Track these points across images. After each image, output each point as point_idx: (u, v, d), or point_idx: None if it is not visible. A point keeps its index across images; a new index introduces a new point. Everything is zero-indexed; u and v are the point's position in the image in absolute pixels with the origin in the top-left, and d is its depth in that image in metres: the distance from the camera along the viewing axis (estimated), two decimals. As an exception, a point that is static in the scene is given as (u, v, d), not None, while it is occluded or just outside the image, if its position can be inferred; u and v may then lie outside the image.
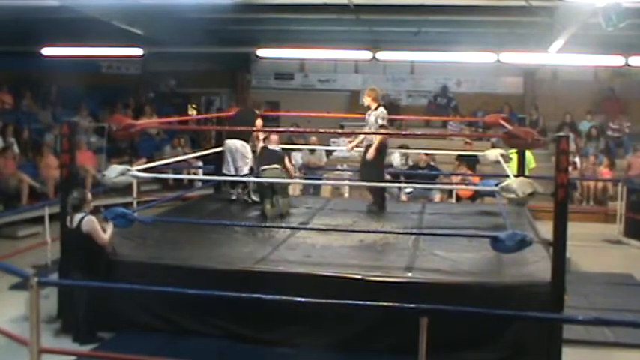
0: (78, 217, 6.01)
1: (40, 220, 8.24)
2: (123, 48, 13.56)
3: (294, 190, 11.40)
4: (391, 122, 15.23)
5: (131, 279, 5.63)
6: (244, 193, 9.00)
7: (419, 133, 13.87)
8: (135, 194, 10.15)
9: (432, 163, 12.38)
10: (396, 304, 4.54)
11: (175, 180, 12.56)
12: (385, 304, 4.63)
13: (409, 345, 4.19)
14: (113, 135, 11.88)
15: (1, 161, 11.21)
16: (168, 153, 14.12)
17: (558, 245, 5.51)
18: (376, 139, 8.18)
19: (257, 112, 9.14)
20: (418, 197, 11.73)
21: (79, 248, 5.98)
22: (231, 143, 8.76)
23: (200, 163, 12.52)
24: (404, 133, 14.28)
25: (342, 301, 4.68)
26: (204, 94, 18.17)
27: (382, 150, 8.35)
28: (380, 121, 8.19)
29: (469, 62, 14.53)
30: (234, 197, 9.10)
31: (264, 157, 8.48)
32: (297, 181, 9.28)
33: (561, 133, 8.12)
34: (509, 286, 5.62)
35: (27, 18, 11.10)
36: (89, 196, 6.24)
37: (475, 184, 11.02)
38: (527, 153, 10.76)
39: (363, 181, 8.58)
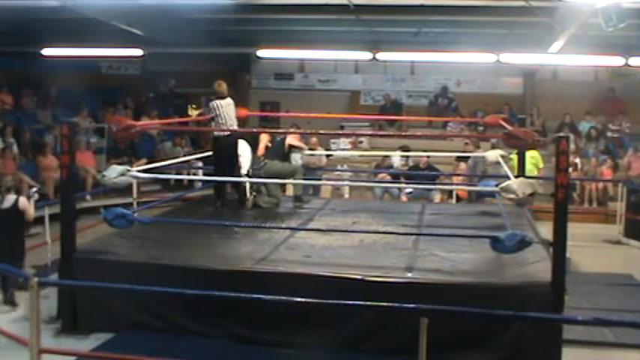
0: (11, 197, 6.68)
1: (40, 221, 8.23)
2: (123, 48, 13.58)
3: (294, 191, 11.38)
4: (392, 123, 15.42)
5: (131, 279, 5.62)
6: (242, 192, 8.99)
7: (418, 134, 13.85)
8: (135, 194, 10.14)
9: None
10: (396, 304, 4.53)
11: (175, 180, 12.56)
12: (385, 304, 4.60)
13: (409, 345, 4.19)
14: (113, 135, 11.88)
15: (0, 161, 11.20)
16: (168, 148, 14.12)
17: (558, 246, 5.51)
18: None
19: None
20: (418, 197, 11.73)
21: (8, 229, 6.56)
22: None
23: (200, 164, 12.51)
24: (403, 133, 14.30)
25: (342, 302, 4.66)
26: (204, 94, 18.12)
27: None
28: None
29: (469, 63, 14.53)
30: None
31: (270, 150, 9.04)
32: (297, 181, 9.26)
33: (561, 134, 8.12)
34: (509, 286, 5.61)
35: (27, 18, 11.12)
36: (24, 177, 7.04)
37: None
38: (535, 153, 10.75)
39: None
